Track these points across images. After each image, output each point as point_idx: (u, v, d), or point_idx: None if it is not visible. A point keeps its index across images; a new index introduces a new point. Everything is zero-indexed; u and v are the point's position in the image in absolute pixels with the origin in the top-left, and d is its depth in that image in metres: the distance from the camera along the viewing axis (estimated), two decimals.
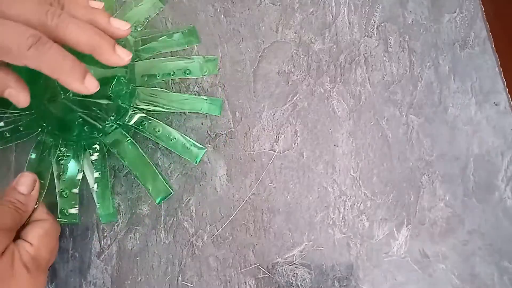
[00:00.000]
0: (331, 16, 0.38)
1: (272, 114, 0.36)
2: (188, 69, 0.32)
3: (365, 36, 0.38)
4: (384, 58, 0.37)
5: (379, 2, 0.38)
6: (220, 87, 0.36)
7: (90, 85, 0.24)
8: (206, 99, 0.32)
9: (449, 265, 0.34)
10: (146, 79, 0.31)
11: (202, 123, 0.36)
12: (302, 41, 0.37)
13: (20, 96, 0.25)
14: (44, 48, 0.23)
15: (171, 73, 0.32)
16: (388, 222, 0.34)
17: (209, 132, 0.35)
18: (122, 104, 0.30)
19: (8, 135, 0.30)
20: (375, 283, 0.33)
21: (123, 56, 0.25)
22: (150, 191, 0.30)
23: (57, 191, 0.30)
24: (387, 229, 0.34)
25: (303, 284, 0.33)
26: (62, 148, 0.30)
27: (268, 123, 0.36)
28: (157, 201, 0.30)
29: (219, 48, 0.37)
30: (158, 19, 0.37)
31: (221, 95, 0.36)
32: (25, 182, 0.29)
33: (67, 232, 0.34)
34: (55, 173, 0.30)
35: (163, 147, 0.35)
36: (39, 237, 0.28)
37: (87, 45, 0.24)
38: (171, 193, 0.30)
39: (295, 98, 0.36)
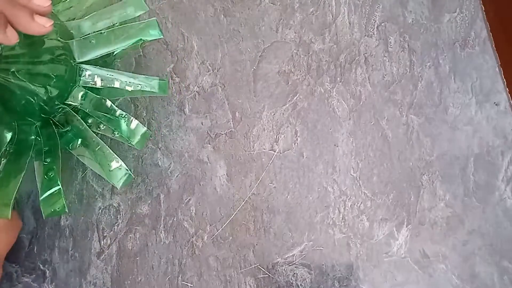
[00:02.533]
0: (331, 16, 0.38)
1: (272, 114, 0.36)
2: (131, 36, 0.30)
3: (365, 36, 0.38)
4: (384, 58, 0.37)
5: (379, 2, 0.38)
6: (220, 87, 0.36)
7: (12, 36, 0.24)
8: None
9: (449, 265, 0.34)
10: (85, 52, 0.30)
11: (202, 123, 0.36)
12: (302, 41, 0.37)
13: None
14: None
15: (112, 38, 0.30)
16: (388, 222, 0.34)
17: (209, 132, 0.35)
18: (63, 84, 0.30)
19: None
20: (375, 283, 0.33)
21: (43, 23, 0.24)
22: (108, 175, 0.29)
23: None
24: (387, 229, 0.34)
25: (303, 284, 0.33)
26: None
27: (268, 123, 0.36)
28: (119, 185, 0.29)
29: (219, 48, 0.37)
30: (158, 19, 0.37)
31: (221, 95, 0.36)
32: None
33: (67, 232, 0.34)
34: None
35: (163, 147, 0.35)
36: None
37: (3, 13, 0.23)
38: (131, 176, 0.29)
39: (295, 98, 0.36)
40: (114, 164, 0.29)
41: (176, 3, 0.38)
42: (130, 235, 0.33)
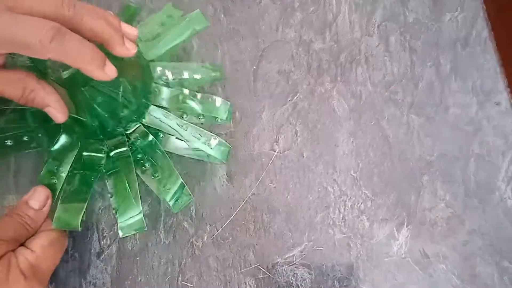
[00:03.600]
0: (331, 15, 0.38)
1: (272, 114, 0.36)
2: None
3: (365, 35, 0.38)
4: (385, 57, 0.37)
5: (380, 1, 0.38)
6: (220, 87, 0.36)
7: (110, 72, 0.25)
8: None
9: (449, 265, 0.34)
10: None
11: (202, 124, 0.35)
12: (302, 40, 0.37)
13: (58, 116, 0.27)
14: (65, 39, 0.23)
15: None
16: (388, 222, 0.34)
17: None
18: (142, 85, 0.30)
19: (11, 144, 0.30)
20: (376, 283, 0.33)
21: (130, 48, 0.27)
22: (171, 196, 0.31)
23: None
24: (387, 229, 0.34)
25: (303, 284, 0.33)
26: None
27: (268, 123, 0.36)
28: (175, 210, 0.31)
29: (219, 47, 0.37)
30: None
31: (221, 95, 0.36)
32: (38, 198, 0.29)
33: (67, 232, 0.33)
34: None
35: None
36: (42, 247, 0.28)
37: (101, 35, 0.25)
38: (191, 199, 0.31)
39: (295, 98, 0.36)
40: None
41: (176, 3, 0.38)
42: (130, 235, 0.33)
